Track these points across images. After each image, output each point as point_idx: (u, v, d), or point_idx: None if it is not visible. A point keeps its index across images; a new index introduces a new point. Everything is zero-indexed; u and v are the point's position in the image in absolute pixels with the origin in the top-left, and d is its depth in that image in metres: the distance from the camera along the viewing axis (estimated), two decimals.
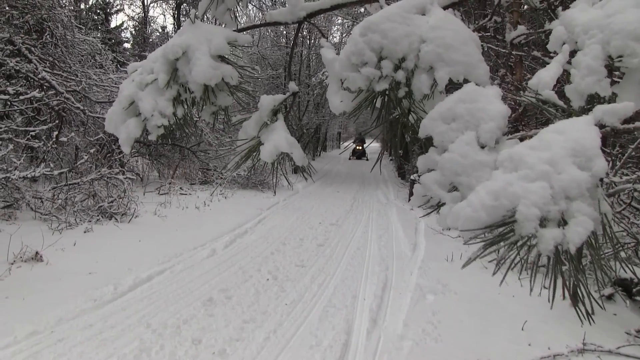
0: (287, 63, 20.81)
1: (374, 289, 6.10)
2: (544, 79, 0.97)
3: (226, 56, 1.35)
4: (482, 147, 0.94)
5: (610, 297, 5.61)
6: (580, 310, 0.91)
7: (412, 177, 14.13)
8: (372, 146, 40.28)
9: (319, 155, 34.38)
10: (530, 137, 0.91)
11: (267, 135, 1.36)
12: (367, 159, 34.36)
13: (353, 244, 8.62)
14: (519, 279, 4.92)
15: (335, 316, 5.18)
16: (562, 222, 0.81)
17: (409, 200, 14.20)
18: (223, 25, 1.44)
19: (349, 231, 9.82)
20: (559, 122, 0.89)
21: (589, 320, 0.93)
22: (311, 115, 24.08)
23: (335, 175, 22.35)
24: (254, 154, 1.40)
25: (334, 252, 7.96)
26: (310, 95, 23.24)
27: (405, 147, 19.22)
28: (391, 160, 31.61)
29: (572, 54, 1.02)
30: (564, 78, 1.07)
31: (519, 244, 0.82)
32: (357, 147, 35.29)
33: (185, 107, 1.37)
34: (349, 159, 34.36)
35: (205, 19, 1.45)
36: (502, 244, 0.84)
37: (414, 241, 8.96)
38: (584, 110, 0.96)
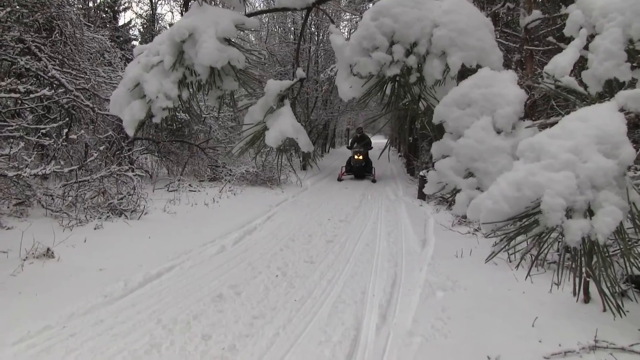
0: (295, 48, 20.73)
1: (383, 285, 6.07)
2: (560, 64, 0.94)
3: (233, 39, 1.33)
4: (499, 132, 0.91)
5: (623, 294, 5.55)
6: (610, 304, 0.87)
7: (421, 173, 14.07)
8: (378, 143, 33.80)
9: (328, 151, 33.21)
10: (550, 125, 0.88)
11: (273, 121, 1.34)
12: (375, 180, 18.90)
13: (362, 240, 8.60)
14: (529, 275, 4.87)
15: (345, 312, 5.16)
16: (589, 213, 0.77)
17: (418, 196, 14.14)
18: (231, 8, 1.42)
19: (358, 227, 9.79)
20: (580, 109, 0.85)
21: (621, 314, 0.89)
22: (319, 112, 24.02)
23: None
24: (259, 140, 1.38)
25: (343, 249, 7.94)
26: (319, 91, 23.19)
27: (414, 143, 19.17)
28: (400, 156, 31.26)
29: (590, 39, 0.99)
30: (579, 65, 1.04)
31: (543, 235, 0.79)
32: (356, 157, 19.29)
33: (191, 90, 1.35)
34: (339, 179, 18.99)
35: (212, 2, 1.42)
36: (526, 236, 0.80)
37: (423, 237, 8.92)
38: (601, 97, 0.93)
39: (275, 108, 1.37)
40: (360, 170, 19.32)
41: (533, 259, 0.85)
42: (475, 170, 0.90)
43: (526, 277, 6.04)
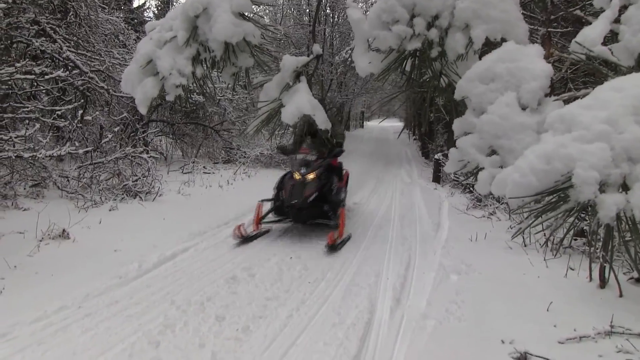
0: (311, 25, 20.53)
1: (397, 268, 6.05)
2: (590, 36, 0.89)
3: (248, 14, 1.29)
4: (524, 108, 0.87)
5: (639, 280, 5.49)
6: None
7: (436, 156, 13.99)
8: (394, 126, 31.46)
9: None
10: (580, 97, 0.83)
11: (289, 97, 1.30)
12: (337, 244, 6.66)
13: (376, 224, 8.57)
14: (544, 259, 4.83)
15: (359, 295, 5.16)
16: (624, 187, 0.73)
17: (433, 179, 14.07)
18: None
19: (372, 210, 9.76)
20: (614, 79, 0.80)
21: None
22: (334, 94, 23.85)
23: (359, 155, 22.19)
24: (275, 117, 1.34)
25: (357, 232, 7.92)
26: (334, 74, 23.05)
27: (429, 126, 19.03)
28: (415, 139, 31.02)
29: (622, 10, 0.93)
30: (608, 41, 0.98)
31: (574, 211, 0.74)
32: (297, 176, 7.33)
33: (205, 67, 1.32)
34: (237, 236, 6.79)
35: None
36: (556, 212, 0.76)
37: (437, 221, 8.88)
38: (633, 71, 0.88)
39: (291, 84, 1.33)
40: (305, 211, 7.34)
41: (562, 236, 0.81)
42: (499, 148, 0.86)
43: (556, 253, 5.97)
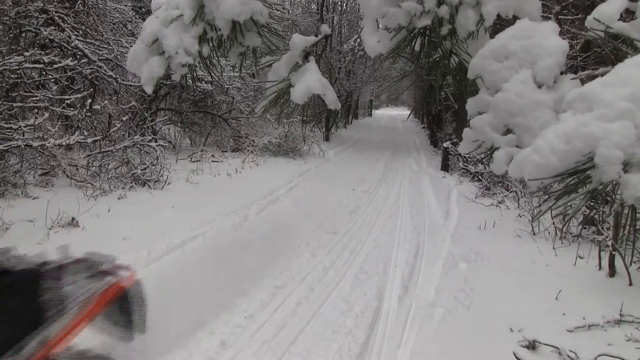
0: (319, 10, 20.39)
1: (405, 256, 6.05)
2: (606, 13, 0.86)
3: None
4: (540, 86, 0.84)
5: None
6: None
7: (444, 144, 13.92)
8: (392, 115, 31.10)
9: (350, 123, 32.72)
10: (599, 76, 0.80)
11: (299, 77, 1.28)
12: None
13: (385, 212, 8.56)
14: (553, 248, 4.79)
15: (367, 283, 5.16)
16: None
17: (442, 168, 14.03)
18: None
19: (381, 199, 9.74)
20: (636, 55, 0.78)
21: None
22: (342, 83, 23.74)
23: (367, 143, 22.15)
24: (284, 97, 1.32)
25: (365, 220, 7.92)
26: (342, 62, 22.95)
27: (438, 114, 18.86)
28: (423, 128, 30.91)
29: None
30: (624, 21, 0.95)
31: (597, 192, 0.71)
32: None
33: (212, 46, 1.30)
34: None
35: None
36: (577, 193, 0.73)
37: (446, 209, 8.85)
38: None
39: (300, 63, 1.31)
40: None
41: (582, 219, 0.79)
42: (515, 126, 0.83)
43: (563, 236, 5.92)
